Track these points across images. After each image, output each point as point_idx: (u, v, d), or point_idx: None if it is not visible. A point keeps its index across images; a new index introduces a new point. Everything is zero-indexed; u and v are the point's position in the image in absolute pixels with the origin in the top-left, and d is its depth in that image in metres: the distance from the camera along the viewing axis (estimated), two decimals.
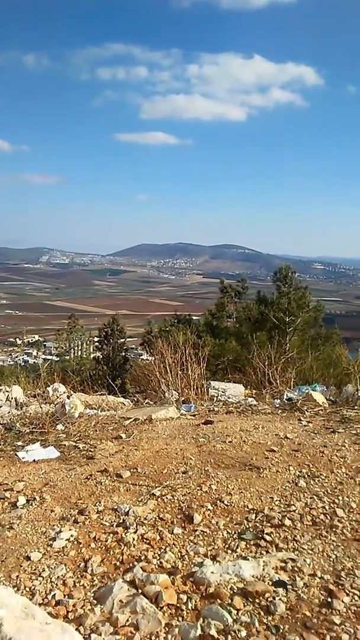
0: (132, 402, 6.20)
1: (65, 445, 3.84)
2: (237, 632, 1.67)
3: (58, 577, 2.02)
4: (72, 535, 2.34)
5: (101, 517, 2.54)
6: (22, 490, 2.91)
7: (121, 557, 2.17)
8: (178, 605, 1.82)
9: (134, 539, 2.30)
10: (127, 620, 1.73)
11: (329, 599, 1.84)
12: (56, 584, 1.97)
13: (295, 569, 2.04)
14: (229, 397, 6.22)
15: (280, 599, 1.84)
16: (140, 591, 1.88)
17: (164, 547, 2.23)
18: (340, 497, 2.71)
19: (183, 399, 5.88)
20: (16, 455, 3.58)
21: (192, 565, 2.08)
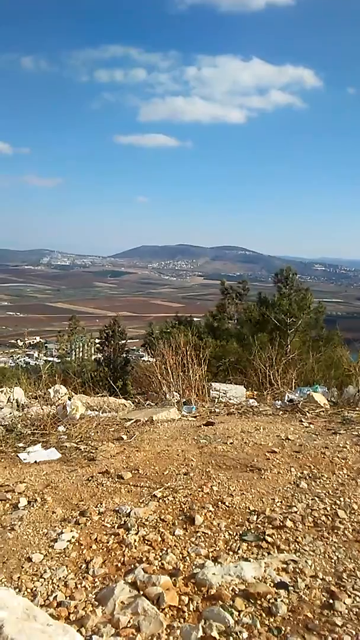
0: (133, 403, 6.20)
1: (66, 446, 3.84)
2: (238, 633, 1.67)
3: (59, 578, 2.03)
4: (73, 537, 2.35)
5: (102, 519, 2.54)
6: (24, 491, 2.91)
7: (122, 559, 2.17)
8: (179, 606, 1.83)
9: (135, 541, 2.30)
10: (129, 621, 1.73)
11: (331, 601, 1.84)
12: (57, 586, 1.98)
13: (297, 570, 2.04)
14: (230, 399, 6.21)
15: (281, 601, 1.84)
16: (141, 592, 1.89)
17: (165, 549, 2.23)
18: (341, 499, 2.71)
19: (184, 400, 5.88)
20: (17, 456, 3.59)
21: (193, 567, 2.08)
